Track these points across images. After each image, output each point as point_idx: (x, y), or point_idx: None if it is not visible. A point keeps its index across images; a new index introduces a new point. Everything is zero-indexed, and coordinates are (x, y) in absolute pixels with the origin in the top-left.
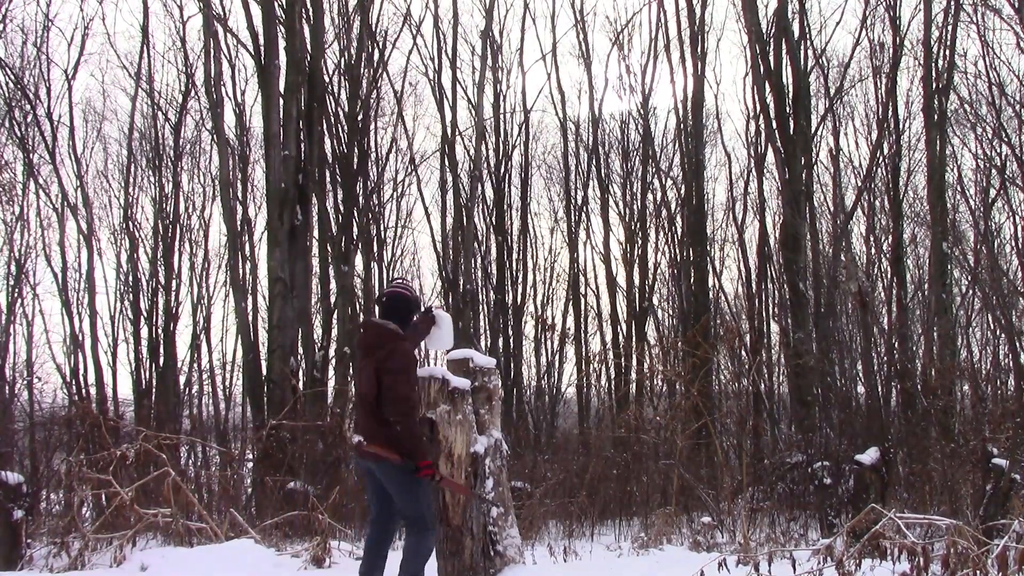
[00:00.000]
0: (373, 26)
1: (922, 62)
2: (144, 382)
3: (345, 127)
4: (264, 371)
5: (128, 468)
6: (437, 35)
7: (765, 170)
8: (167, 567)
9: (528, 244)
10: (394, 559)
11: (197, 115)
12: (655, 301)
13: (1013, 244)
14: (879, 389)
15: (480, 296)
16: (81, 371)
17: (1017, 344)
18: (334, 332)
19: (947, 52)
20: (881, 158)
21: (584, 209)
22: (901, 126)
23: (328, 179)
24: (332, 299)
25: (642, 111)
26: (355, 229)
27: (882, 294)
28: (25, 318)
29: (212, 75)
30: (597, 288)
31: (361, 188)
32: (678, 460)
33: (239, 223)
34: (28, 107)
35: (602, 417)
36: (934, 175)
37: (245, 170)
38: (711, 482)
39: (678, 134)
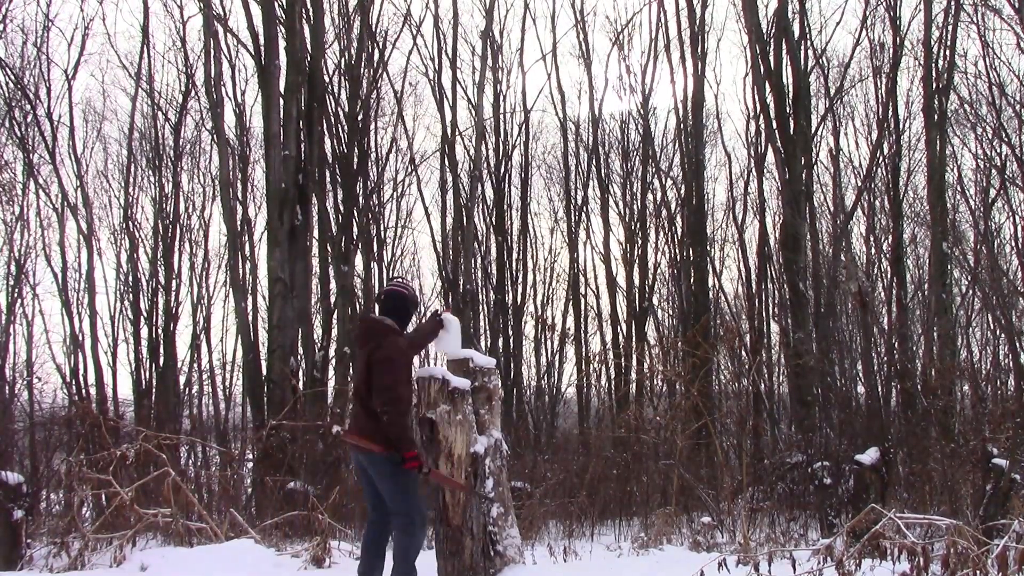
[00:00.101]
0: (373, 26)
1: (922, 62)
2: (144, 382)
3: (345, 127)
4: (264, 371)
5: (128, 468)
6: (437, 35)
7: (765, 170)
8: (167, 567)
9: (528, 244)
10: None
11: (197, 115)
12: (655, 301)
13: (1013, 244)
14: (879, 389)
15: (480, 296)
16: (81, 371)
17: (1017, 344)
18: (334, 332)
19: (947, 52)
20: (881, 158)
21: (584, 209)
22: (901, 126)
23: (328, 179)
24: (332, 299)
25: (642, 111)
26: (355, 229)
27: (882, 294)
28: (25, 318)
29: (212, 75)
30: (597, 288)
31: (361, 188)
32: (678, 460)
33: (239, 223)
34: (28, 107)
35: (602, 417)
36: (934, 175)
37: (245, 170)
38: (711, 482)
39: (678, 134)
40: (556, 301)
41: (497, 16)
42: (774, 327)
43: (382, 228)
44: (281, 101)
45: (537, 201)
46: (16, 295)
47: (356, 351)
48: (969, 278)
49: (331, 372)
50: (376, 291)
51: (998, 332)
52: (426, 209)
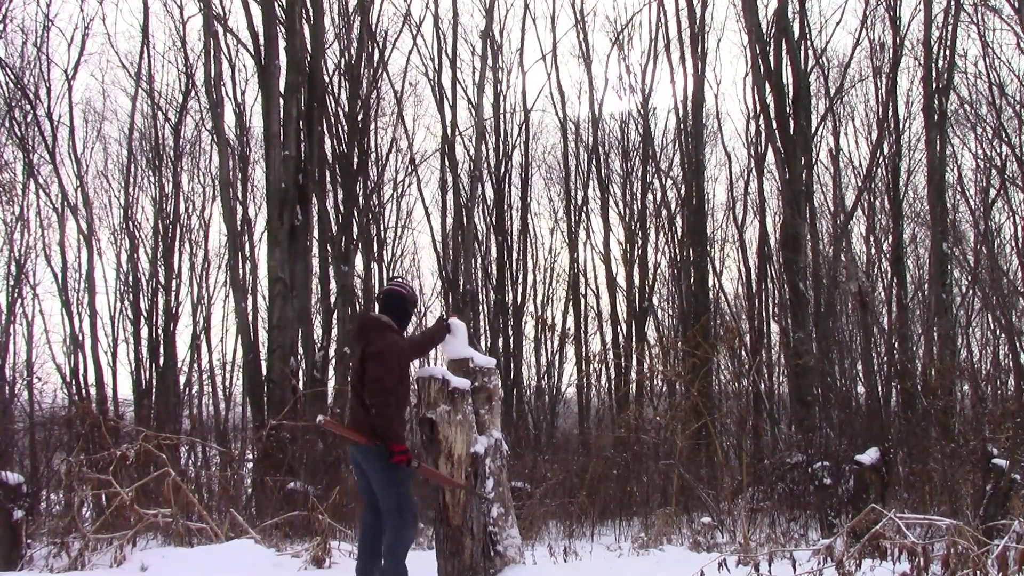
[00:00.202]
0: (373, 26)
1: (922, 62)
2: (144, 382)
3: (345, 127)
4: (264, 371)
5: (128, 468)
6: (437, 35)
7: (765, 170)
8: (167, 567)
9: (528, 244)
10: None
11: (197, 115)
12: (655, 301)
13: (1013, 244)
14: (879, 389)
15: (480, 296)
16: (81, 371)
17: (1017, 344)
18: (334, 332)
19: (947, 52)
20: (881, 158)
21: (584, 209)
22: (901, 126)
23: (328, 179)
24: (332, 299)
25: (642, 111)
26: (355, 229)
27: (882, 294)
28: (25, 318)
29: (212, 75)
30: (597, 288)
31: (361, 188)
32: (678, 460)
33: (239, 223)
34: (28, 107)
35: (602, 417)
36: (934, 175)
37: (245, 170)
38: (711, 482)
39: (678, 134)
40: (556, 301)
41: (497, 16)
42: (774, 327)
43: (382, 228)
44: (281, 101)
45: (537, 201)
46: (16, 295)
47: (354, 348)
48: (969, 278)
49: (331, 372)
50: (376, 291)
51: (998, 332)
52: (426, 209)
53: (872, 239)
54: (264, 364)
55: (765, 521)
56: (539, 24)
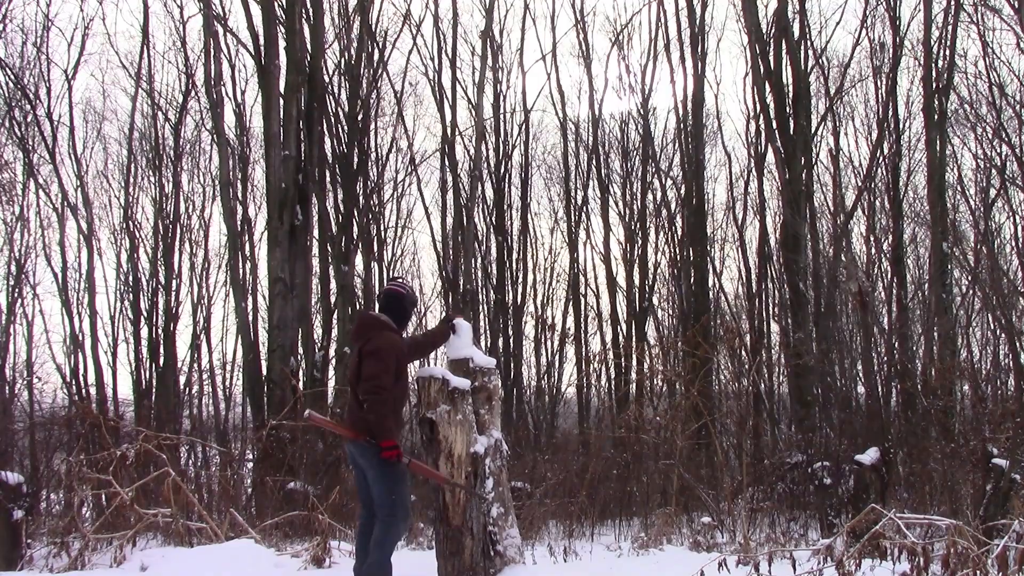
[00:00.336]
0: (373, 26)
1: (922, 62)
2: (144, 382)
3: (345, 127)
4: (264, 371)
5: (128, 468)
6: (437, 35)
7: (765, 170)
8: (167, 567)
9: (528, 244)
10: (393, 558)
11: (197, 115)
12: (655, 301)
13: (1013, 244)
14: (879, 389)
15: (480, 296)
16: (81, 371)
17: (1017, 344)
18: (334, 332)
19: (947, 52)
20: (881, 158)
21: (584, 209)
22: (901, 126)
23: (328, 179)
24: (332, 299)
25: (642, 111)
26: (355, 229)
27: (882, 294)
28: (25, 318)
29: (212, 75)
30: (597, 288)
31: (361, 188)
32: (678, 460)
33: (239, 223)
34: (28, 107)
35: (602, 417)
36: (934, 175)
37: (245, 170)
38: (711, 482)
39: (678, 134)
40: (556, 301)
41: (497, 16)
42: (774, 327)
43: (382, 228)
44: (281, 101)
45: (537, 201)
46: (16, 295)
47: (353, 347)
48: (969, 278)
49: (331, 372)
50: (376, 291)
51: (998, 332)
52: (426, 209)
53: (872, 239)
54: (264, 364)
55: (765, 521)
56: (539, 24)
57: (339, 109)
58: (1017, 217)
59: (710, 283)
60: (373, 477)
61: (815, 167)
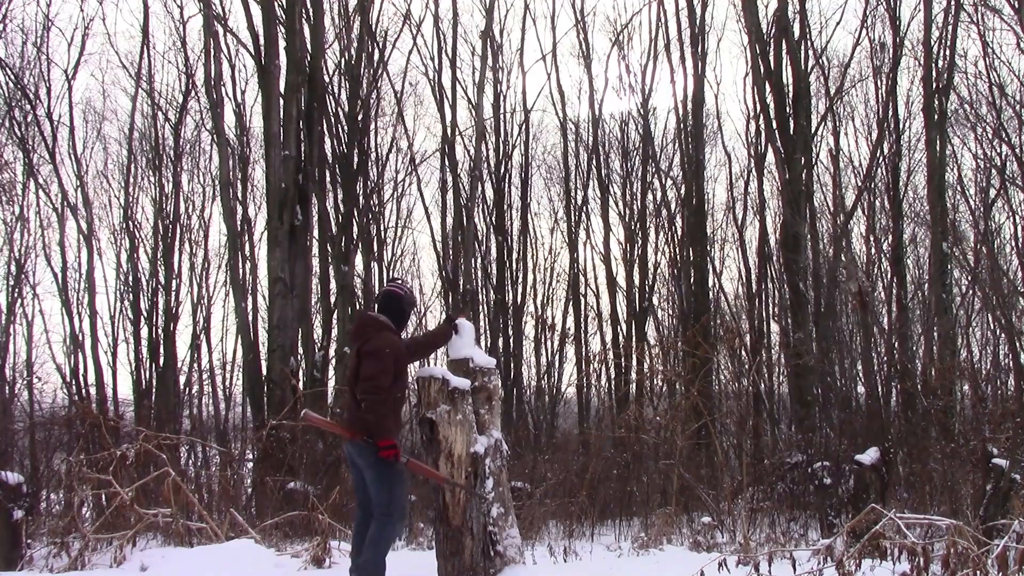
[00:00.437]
0: (373, 26)
1: (922, 62)
2: (144, 382)
3: (345, 127)
4: (264, 371)
5: (128, 468)
6: (437, 35)
7: (765, 170)
8: (167, 567)
9: (528, 244)
10: (392, 558)
11: (197, 115)
12: (655, 301)
13: (1013, 244)
14: (879, 389)
15: (480, 296)
16: (81, 371)
17: (1017, 344)
18: (334, 332)
19: (947, 52)
20: (881, 158)
21: (584, 209)
22: (901, 126)
23: (328, 179)
24: (332, 299)
25: (642, 111)
26: (355, 229)
27: (882, 294)
28: (25, 318)
29: (212, 75)
30: (597, 288)
31: (361, 188)
32: (678, 460)
33: (239, 223)
34: (28, 107)
35: (602, 417)
36: (934, 175)
37: (245, 170)
38: (711, 482)
39: (678, 134)
40: (556, 301)
41: (497, 16)
42: (774, 327)
43: (382, 228)
44: (281, 101)
45: (537, 201)
46: (16, 295)
47: (352, 347)
48: (969, 278)
49: (331, 372)
50: (376, 291)
51: (998, 332)
52: (426, 209)
53: (872, 239)
54: (264, 364)
55: (765, 521)
56: (539, 24)
57: (339, 109)
58: (1017, 217)
59: (710, 283)
60: (370, 477)
61: (815, 167)
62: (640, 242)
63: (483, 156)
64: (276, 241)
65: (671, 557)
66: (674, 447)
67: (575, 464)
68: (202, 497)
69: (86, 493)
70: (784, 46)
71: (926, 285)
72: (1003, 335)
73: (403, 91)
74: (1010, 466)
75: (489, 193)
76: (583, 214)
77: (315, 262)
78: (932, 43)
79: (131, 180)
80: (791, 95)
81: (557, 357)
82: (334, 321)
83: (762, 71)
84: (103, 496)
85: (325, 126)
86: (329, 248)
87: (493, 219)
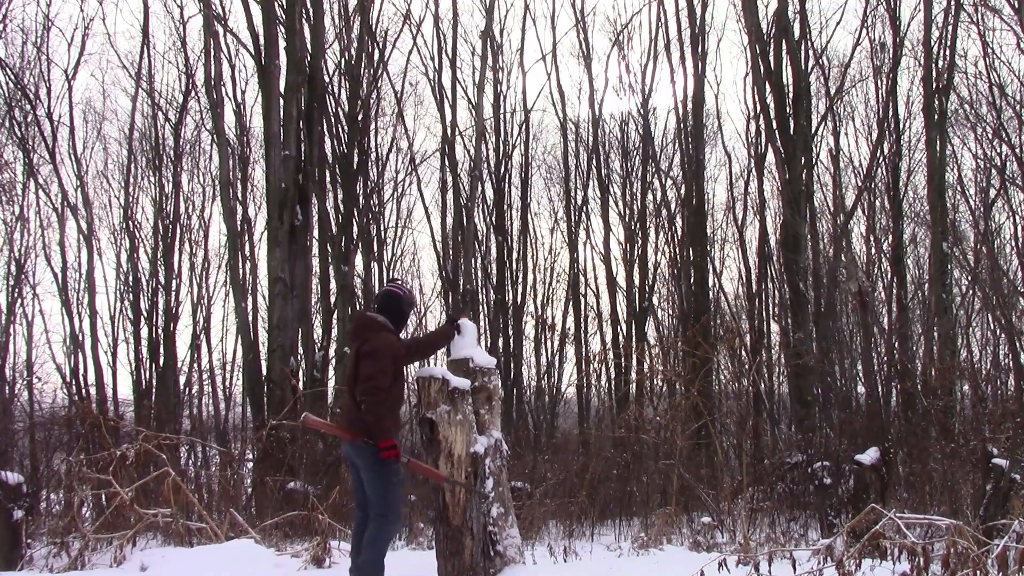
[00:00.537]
0: (373, 26)
1: (922, 62)
2: (144, 382)
3: (345, 127)
4: (264, 371)
5: (128, 468)
6: (437, 35)
7: (765, 170)
8: (167, 567)
9: (528, 244)
10: (392, 558)
11: (197, 115)
12: (655, 301)
13: (1013, 244)
14: (879, 389)
15: (480, 296)
16: (81, 371)
17: (1017, 344)
18: (334, 332)
19: (947, 52)
20: (881, 158)
21: (584, 209)
22: (901, 126)
23: (328, 179)
24: (332, 299)
25: (642, 111)
26: (355, 229)
27: (882, 294)
28: (25, 318)
29: (212, 75)
30: (597, 288)
31: (361, 188)
32: (678, 460)
33: (239, 223)
34: (28, 107)
35: (602, 417)
36: (934, 175)
37: (245, 170)
38: (711, 482)
39: (678, 134)
40: (556, 301)
41: (497, 16)
42: (774, 327)
43: (382, 228)
44: (281, 101)
45: (537, 201)
46: (16, 295)
47: (350, 347)
48: (969, 278)
49: (331, 372)
50: (376, 291)
51: (998, 332)
52: (426, 209)
53: (872, 239)
54: (264, 364)
55: (765, 521)
56: (539, 24)
57: (339, 109)
58: (1017, 217)
59: (710, 283)
60: (368, 477)
61: (815, 167)
62: (640, 242)
63: (483, 156)
64: (276, 241)
65: (671, 557)
66: (674, 447)
67: (575, 464)
68: (202, 497)
69: (86, 493)
70: (784, 46)
71: (926, 285)
72: (1003, 335)
73: (403, 91)
74: (1010, 466)
75: (489, 193)
76: (583, 214)
77: (315, 262)
78: (932, 43)
79: (131, 180)
80: (791, 95)
81: (557, 357)
82: (334, 321)
83: (762, 71)
84: (103, 496)
85: (325, 126)
86: (329, 248)
87: (493, 219)
